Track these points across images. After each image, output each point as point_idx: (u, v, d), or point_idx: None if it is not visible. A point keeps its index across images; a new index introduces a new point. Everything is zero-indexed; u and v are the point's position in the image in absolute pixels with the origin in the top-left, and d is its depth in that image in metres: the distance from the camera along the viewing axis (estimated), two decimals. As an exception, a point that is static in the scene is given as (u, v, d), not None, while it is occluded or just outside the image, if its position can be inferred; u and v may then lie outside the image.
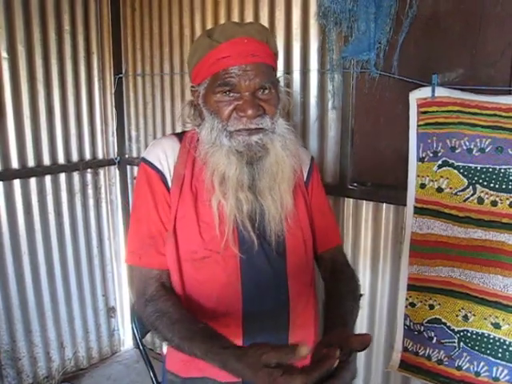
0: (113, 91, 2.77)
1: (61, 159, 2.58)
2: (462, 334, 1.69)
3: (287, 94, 1.17)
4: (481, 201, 1.59)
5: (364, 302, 1.99)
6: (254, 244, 1.09)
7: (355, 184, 1.92)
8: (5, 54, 2.27)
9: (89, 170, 2.73)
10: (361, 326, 2.02)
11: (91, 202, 2.77)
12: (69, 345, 2.76)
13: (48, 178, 2.53)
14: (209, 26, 2.28)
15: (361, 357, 2.04)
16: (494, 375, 1.64)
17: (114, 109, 2.81)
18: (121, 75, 2.74)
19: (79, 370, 2.83)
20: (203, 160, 1.10)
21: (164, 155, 1.14)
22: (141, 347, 1.49)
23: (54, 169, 2.55)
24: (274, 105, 1.07)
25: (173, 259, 1.13)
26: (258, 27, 1.09)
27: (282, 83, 1.16)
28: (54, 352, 2.69)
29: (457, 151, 1.61)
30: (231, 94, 1.04)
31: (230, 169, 1.05)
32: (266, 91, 1.05)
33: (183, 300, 1.14)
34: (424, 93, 1.64)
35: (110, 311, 3.01)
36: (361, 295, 1.22)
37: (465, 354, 1.70)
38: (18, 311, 2.49)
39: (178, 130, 2.49)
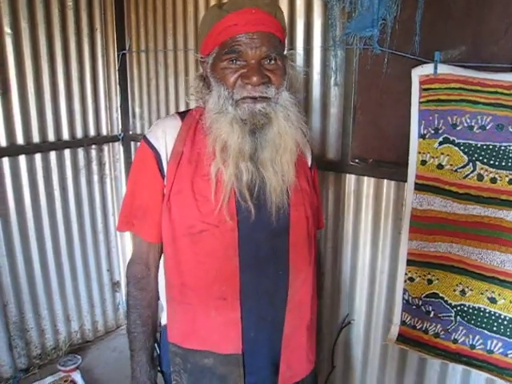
0: (116, 67, 2.78)
1: (65, 135, 2.61)
2: (458, 308, 1.73)
3: (295, 69, 1.17)
4: (480, 178, 1.61)
5: (364, 277, 2.03)
6: (251, 214, 1.10)
7: (357, 160, 1.93)
8: (8, 30, 2.27)
9: (93, 146, 2.76)
10: (360, 301, 2.07)
11: (96, 177, 2.81)
12: (75, 318, 2.83)
13: (53, 154, 2.56)
14: (212, 2, 2.27)
15: (360, 330, 2.09)
16: (488, 348, 1.68)
17: (117, 85, 2.82)
18: (124, 51, 2.74)
19: (85, 342, 2.92)
20: (208, 128, 1.10)
21: (163, 133, 1.16)
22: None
23: (59, 145, 2.57)
24: (280, 75, 1.08)
25: (169, 233, 1.16)
26: (267, 0, 1.10)
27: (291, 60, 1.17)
28: (60, 325, 2.76)
29: (458, 128, 1.62)
30: (237, 62, 1.06)
31: (232, 137, 1.06)
32: (272, 61, 1.07)
33: (175, 273, 1.19)
34: (426, 70, 1.65)
35: (115, 286, 3.07)
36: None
37: (461, 328, 1.74)
38: (25, 284, 2.55)
39: (182, 106, 2.53)
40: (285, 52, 1.16)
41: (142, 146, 1.18)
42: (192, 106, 1.27)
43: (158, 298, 1.29)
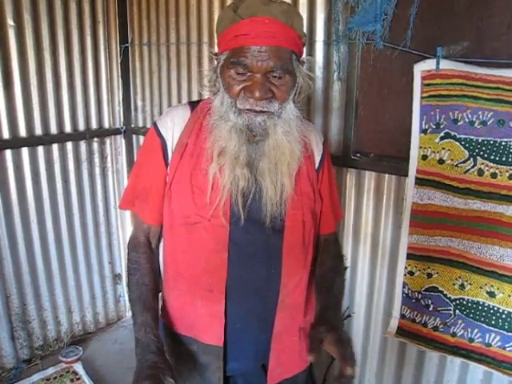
0: (119, 61, 2.78)
1: (67, 128, 2.62)
2: (457, 302, 1.75)
3: (309, 78, 1.16)
4: (481, 173, 1.62)
5: (364, 270, 2.05)
6: (241, 220, 1.13)
7: (358, 154, 1.95)
8: (11, 22, 2.27)
9: (95, 139, 2.77)
10: (360, 294, 2.09)
11: (97, 170, 2.82)
12: (76, 310, 2.86)
13: (55, 147, 2.57)
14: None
15: (360, 323, 2.11)
16: (486, 341, 1.70)
17: (120, 78, 2.82)
18: (127, 44, 2.74)
19: (87, 333, 2.94)
20: (209, 130, 1.13)
21: (172, 123, 1.19)
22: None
23: (61, 137, 2.58)
24: (286, 91, 1.08)
25: (168, 221, 1.21)
26: (285, 7, 1.07)
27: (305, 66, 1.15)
28: (62, 316, 2.78)
29: (459, 123, 1.63)
30: (243, 73, 1.05)
31: (229, 144, 1.08)
32: (279, 76, 1.05)
33: (171, 260, 1.24)
34: (428, 65, 1.66)
35: (116, 278, 3.09)
36: (345, 268, 1.31)
37: (460, 321, 1.76)
38: (28, 276, 2.57)
39: (185, 99, 2.53)
40: (303, 56, 1.15)
41: (151, 132, 1.21)
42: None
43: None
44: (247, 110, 1.06)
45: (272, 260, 1.19)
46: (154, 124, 1.22)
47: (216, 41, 1.16)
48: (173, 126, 1.19)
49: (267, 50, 1.02)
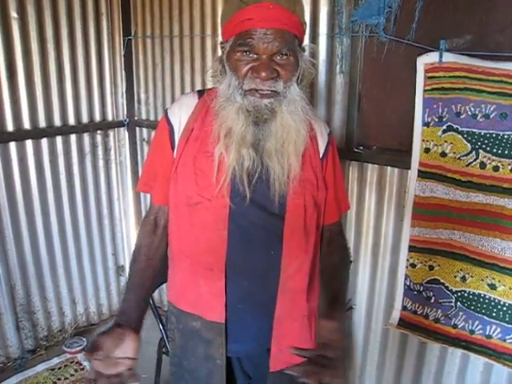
0: (122, 53, 2.78)
1: (71, 120, 2.62)
2: (459, 294, 1.76)
3: (311, 64, 1.20)
4: (483, 166, 1.62)
5: (366, 263, 2.06)
6: (246, 198, 1.16)
7: (361, 147, 1.95)
8: (14, 14, 2.27)
9: (99, 132, 2.77)
10: (362, 286, 2.10)
11: (101, 162, 2.83)
12: (80, 301, 2.88)
13: (59, 139, 2.57)
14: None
15: (361, 315, 2.13)
16: (487, 333, 1.72)
17: (123, 71, 2.82)
18: (130, 37, 2.74)
19: (90, 325, 2.96)
20: (216, 112, 1.16)
21: (179, 110, 1.25)
22: (150, 301, 1.60)
23: (65, 130, 2.59)
24: (290, 71, 1.11)
25: (173, 201, 1.26)
26: None
27: (307, 52, 1.19)
28: (66, 307, 2.80)
29: (461, 117, 1.64)
30: (250, 55, 1.09)
31: (236, 124, 1.12)
32: (284, 56, 1.09)
33: (175, 240, 1.29)
34: (431, 58, 1.66)
35: (120, 270, 3.11)
36: (350, 261, 1.42)
37: (461, 313, 1.77)
38: (32, 268, 2.58)
39: (188, 91, 2.53)
40: (304, 44, 1.17)
41: (162, 119, 1.28)
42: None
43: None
44: (252, 90, 1.09)
45: (272, 242, 1.22)
46: (165, 111, 1.27)
47: (220, 31, 1.18)
48: (180, 112, 1.24)
49: (272, 33, 1.06)
